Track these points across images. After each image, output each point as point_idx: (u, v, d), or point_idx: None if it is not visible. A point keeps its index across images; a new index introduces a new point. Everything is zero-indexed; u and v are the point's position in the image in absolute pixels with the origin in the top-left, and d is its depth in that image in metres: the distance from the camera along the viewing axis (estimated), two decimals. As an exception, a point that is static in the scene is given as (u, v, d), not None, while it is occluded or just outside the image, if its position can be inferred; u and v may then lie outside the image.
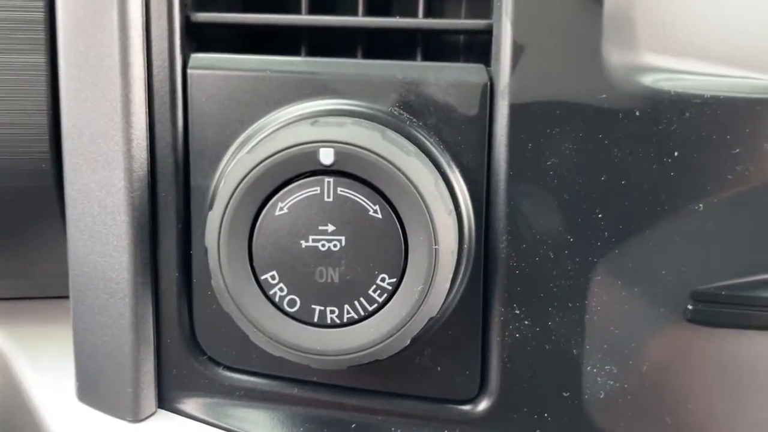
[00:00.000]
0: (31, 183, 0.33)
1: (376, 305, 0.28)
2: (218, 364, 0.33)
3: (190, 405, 0.33)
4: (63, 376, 0.35)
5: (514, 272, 0.30)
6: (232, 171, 0.28)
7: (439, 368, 0.31)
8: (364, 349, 0.28)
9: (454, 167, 0.30)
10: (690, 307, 0.30)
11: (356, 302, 0.28)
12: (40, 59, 0.31)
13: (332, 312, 0.28)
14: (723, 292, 0.30)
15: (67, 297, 0.33)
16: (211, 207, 0.28)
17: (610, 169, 0.29)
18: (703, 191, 0.29)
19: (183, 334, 0.32)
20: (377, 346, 0.28)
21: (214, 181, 0.31)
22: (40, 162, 0.32)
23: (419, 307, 0.28)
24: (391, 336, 0.28)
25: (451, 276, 0.28)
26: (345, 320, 0.28)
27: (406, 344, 0.28)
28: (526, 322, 0.30)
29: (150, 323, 0.32)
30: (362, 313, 0.28)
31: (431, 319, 0.28)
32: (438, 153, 0.30)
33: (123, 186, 0.31)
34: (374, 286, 0.28)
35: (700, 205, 0.29)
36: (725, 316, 0.30)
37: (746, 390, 0.31)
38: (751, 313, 0.30)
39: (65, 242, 0.32)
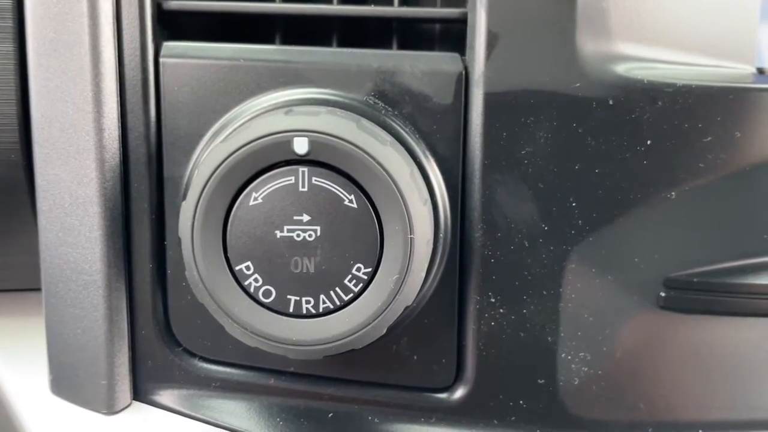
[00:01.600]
0: (0, 173, 0.32)
1: (351, 295, 0.28)
2: (193, 355, 0.33)
3: (165, 396, 0.33)
4: (36, 369, 0.34)
5: (489, 261, 0.30)
6: (206, 160, 0.27)
7: (415, 357, 0.31)
8: (340, 339, 0.28)
9: (429, 156, 0.30)
10: (663, 294, 0.30)
11: (332, 292, 0.28)
12: (9, 48, 0.31)
13: (308, 302, 0.28)
14: (695, 279, 0.30)
15: (39, 289, 0.32)
16: (184, 197, 0.28)
17: (583, 158, 0.29)
18: (676, 179, 0.29)
19: (158, 326, 0.32)
20: (353, 336, 0.28)
21: (188, 171, 0.30)
22: (9, 152, 0.32)
23: (395, 297, 0.28)
24: (367, 325, 0.28)
25: (426, 265, 0.28)
26: (321, 310, 0.28)
27: (382, 333, 0.28)
28: (502, 311, 0.30)
29: (124, 315, 0.32)
30: (338, 302, 0.28)
31: (407, 308, 0.28)
32: (413, 142, 0.30)
33: (95, 177, 0.30)
34: (350, 276, 0.28)
35: (673, 193, 0.30)
36: (698, 302, 0.31)
37: (718, 375, 0.32)
38: (723, 299, 0.31)
39: (36, 234, 0.32)
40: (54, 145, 0.30)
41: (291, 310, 0.28)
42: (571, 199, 0.30)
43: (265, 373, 0.32)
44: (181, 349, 0.33)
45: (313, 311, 0.28)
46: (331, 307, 0.28)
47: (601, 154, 0.29)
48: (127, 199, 0.31)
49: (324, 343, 0.28)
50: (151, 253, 0.31)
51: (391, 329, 0.29)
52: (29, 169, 0.32)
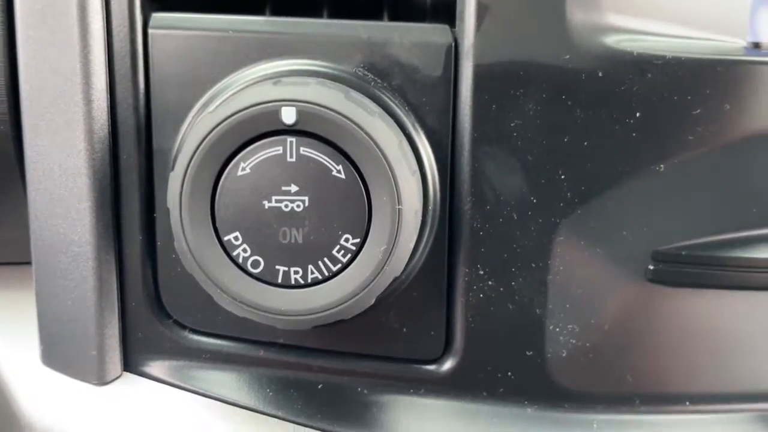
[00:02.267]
0: (-12, 145, 0.32)
1: (339, 265, 0.28)
2: (183, 326, 0.33)
3: (155, 368, 0.33)
4: (27, 340, 0.34)
5: (478, 233, 0.30)
6: (194, 131, 0.27)
7: (404, 329, 0.31)
8: (329, 309, 0.28)
9: (418, 128, 0.30)
10: (651, 267, 0.30)
11: (320, 262, 0.28)
12: (-4, 18, 0.31)
13: (296, 272, 0.28)
14: (683, 253, 0.30)
15: (29, 263, 0.32)
16: (172, 167, 0.28)
17: (572, 131, 0.29)
18: (665, 152, 0.29)
19: (147, 297, 0.32)
20: (342, 306, 0.28)
21: (177, 143, 0.30)
22: (-2, 123, 0.32)
23: (383, 267, 0.28)
24: (355, 296, 0.28)
25: (415, 236, 0.28)
26: (309, 280, 0.28)
27: (371, 304, 0.28)
28: (490, 283, 0.31)
29: (114, 286, 0.32)
30: (326, 273, 0.28)
31: (395, 279, 0.28)
32: (402, 114, 0.29)
33: (83, 148, 0.30)
34: (338, 247, 0.28)
35: (662, 166, 0.30)
36: (686, 275, 0.31)
37: (705, 348, 0.32)
38: (711, 272, 0.31)
39: (26, 206, 0.32)
40: (43, 116, 0.30)
41: (279, 280, 0.28)
42: (560, 172, 0.30)
43: (255, 345, 0.32)
44: (171, 320, 0.33)
45: (302, 281, 0.28)
46: (320, 277, 0.28)
47: (590, 126, 0.29)
48: (116, 170, 0.31)
49: (313, 313, 0.28)
50: (141, 224, 0.31)
51: (380, 300, 0.29)
52: (18, 141, 0.32)
